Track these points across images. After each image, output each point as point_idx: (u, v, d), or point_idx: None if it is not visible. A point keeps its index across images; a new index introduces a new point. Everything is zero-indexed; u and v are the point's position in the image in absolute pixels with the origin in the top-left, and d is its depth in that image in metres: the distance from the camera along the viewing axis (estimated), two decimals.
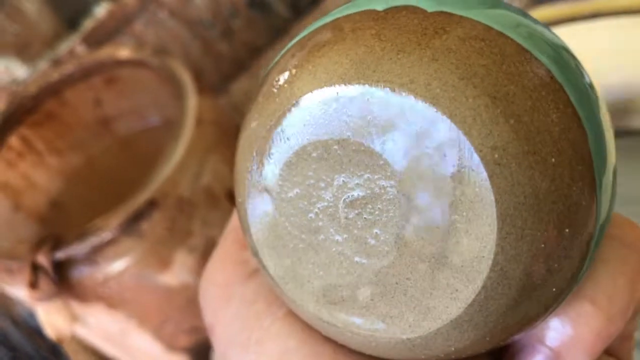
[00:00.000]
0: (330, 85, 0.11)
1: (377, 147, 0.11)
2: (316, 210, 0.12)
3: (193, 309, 0.43)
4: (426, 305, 0.11)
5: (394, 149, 0.11)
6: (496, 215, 0.10)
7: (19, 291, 0.40)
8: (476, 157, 0.10)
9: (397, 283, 0.12)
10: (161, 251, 0.40)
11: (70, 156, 0.54)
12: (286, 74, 0.12)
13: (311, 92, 0.11)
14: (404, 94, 0.10)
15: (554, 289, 0.11)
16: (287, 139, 0.12)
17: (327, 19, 0.12)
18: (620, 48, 0.34)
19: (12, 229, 0.49)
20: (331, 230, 0.12)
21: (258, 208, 0.12)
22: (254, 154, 0.12)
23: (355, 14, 0.12)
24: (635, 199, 0.27)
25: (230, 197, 0.43)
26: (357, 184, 0.11)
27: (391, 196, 0.11)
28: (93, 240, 0.38)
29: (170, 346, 0.45)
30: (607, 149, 0.12)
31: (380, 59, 0.11)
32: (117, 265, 0.40)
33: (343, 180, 0.11)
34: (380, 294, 0.12)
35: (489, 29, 0.11)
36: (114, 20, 0.55)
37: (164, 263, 0.41)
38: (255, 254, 0.13)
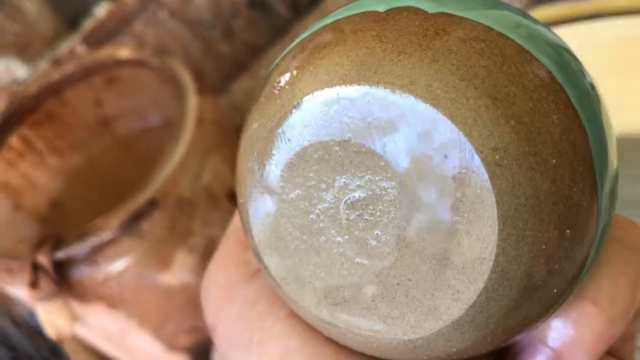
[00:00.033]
0: (331, 87, 0.11)
1: (378, 149, 0.11)
2: (317, 211, 0.12)
3: (193, 308, 0.43)
4: (427, 306, 0.11)
5: (395, 150, 0.11)
6: (497, 217, 0.10)
7: (19, 291, 0.40)
8: (477, 159, 0.10)
9: (398, 284, 0.12)
10: (161, 251, 0.40)
11: (70, 156, 0.54)
12: (287, 76, 0.12)
13: (312, 93, 0.11)
14: (404, 95, 0.10)
15: (555, 290, 0.11)
16: (288, 140, 0.12)
17: (328, 20, 0.12)
18: (620, 48, 0.34)
19: (12, 228, 0.49)
20: (332, 231, 0.12)
21: (260, 209, 0.12)
22: (255, 155, 0.12)
23: (355, 15, 0.12)
24: (636, 202, 0.27)
25: (231, 197, 0.43)
26: (358, 185, 0.11)
27: (392, 197, 0.11)
28: (93, 240, 0.38)
29: (171, 346, 0.45)
30: (608, 150, 0.12)
31: (381, 60, 0.11)
32: (117, 265, 0.40)
33: (344, 182, 0.11)
34: (381, 294, 0.12)
35: (489, 29, 0.11)
36: (114, 20, 0.55)
37: (164, 263, 0.41)
38: (257, 254, 0.13)
